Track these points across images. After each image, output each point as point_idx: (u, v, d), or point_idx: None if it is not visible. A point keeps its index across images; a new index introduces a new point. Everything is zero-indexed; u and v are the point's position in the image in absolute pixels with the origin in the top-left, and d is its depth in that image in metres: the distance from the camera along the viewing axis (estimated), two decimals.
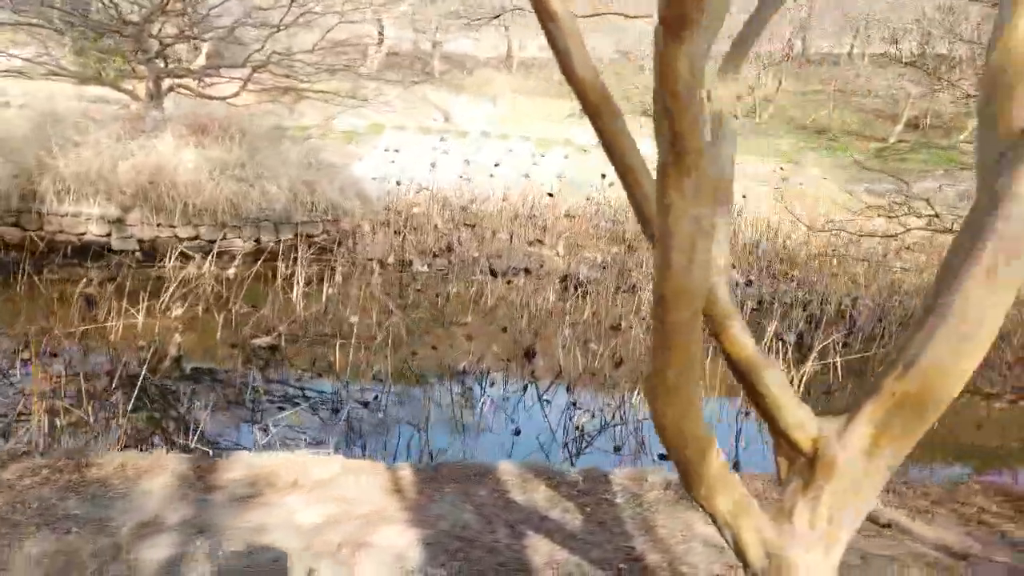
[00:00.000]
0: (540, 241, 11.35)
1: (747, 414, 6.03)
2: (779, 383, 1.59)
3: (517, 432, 5.29)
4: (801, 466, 1.59)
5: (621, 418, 5.72)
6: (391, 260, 9.88)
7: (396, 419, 5.18)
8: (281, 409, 4.98)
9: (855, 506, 1.53)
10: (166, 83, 11.30)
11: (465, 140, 22.19)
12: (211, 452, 3.43)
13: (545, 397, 5.97)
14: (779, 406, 1.58)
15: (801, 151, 26.89)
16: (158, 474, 2.83)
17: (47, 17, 9.79)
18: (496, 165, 13.32)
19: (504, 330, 7.52)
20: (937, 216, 4.73)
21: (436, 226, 11.70)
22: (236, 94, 11.65)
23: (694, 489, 1.51)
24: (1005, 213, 1.37)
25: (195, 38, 10.40)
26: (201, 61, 15.63)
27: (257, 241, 9.67)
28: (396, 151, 14.59)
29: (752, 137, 29.61)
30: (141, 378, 4.85)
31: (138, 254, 8.94)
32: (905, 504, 3.15)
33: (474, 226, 12.06)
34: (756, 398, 1.63)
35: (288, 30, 11.72)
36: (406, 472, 3.07)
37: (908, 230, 5.38)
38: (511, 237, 11.74)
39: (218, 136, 10.16)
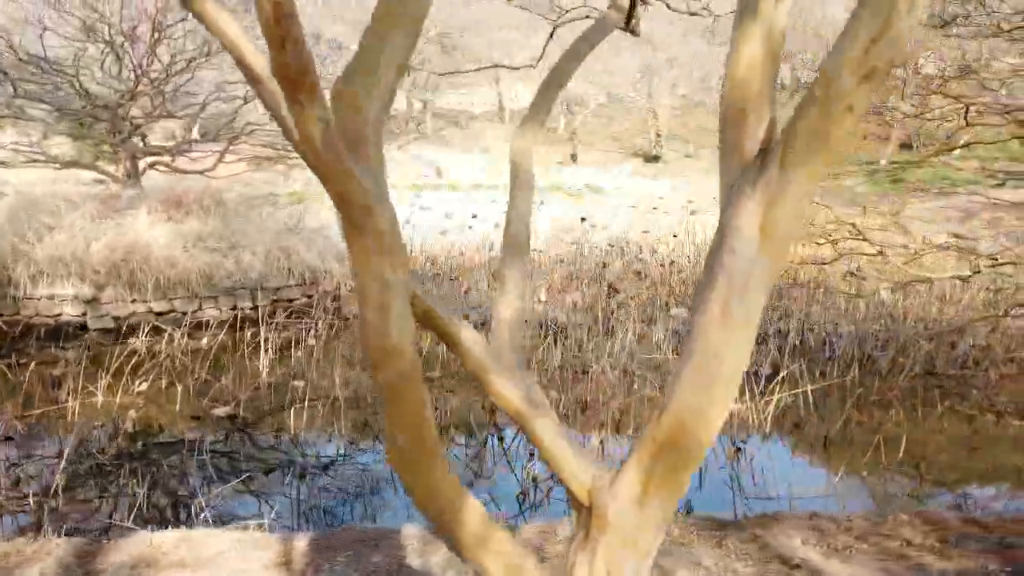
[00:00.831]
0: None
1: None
2: (551, 433, 1.55)
3: (470, 486, 5.19)
4: (583, 518, 1.53)
5: None
6: None
7: (344, 482, 5.11)
8: (224, 481, 4.93)
9: (633, 560, 1.46)
10: (146, 161, 11.58)
11: (455, 193, 22.47)
12: (110, 534, 3.38)
13: (505, 448, 5.88)
14: (554, 457, 1.54)
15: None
16: (40, 562, 2.79)
17: (18, 107, 10.08)
18: (473, 216, 13.40)
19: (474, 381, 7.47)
20: (865, 239, 4.67)
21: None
22: (213, 167, 11.88)
23: (459, 552, 1.45)
24: (730, 247, 1.34)
25: (165, 116, 10.63)
26: (195, 135, 15.95)
27: (233, 309, 9.73)
28: None
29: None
30: (64, 457, 4.83)
31: (95, 332, 8.99)
32: (826, 541, 3.03)
33: (456, 279, 12.09)
34: (537, 449, 1.58)
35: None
36: (301, 542, 3.01)
37: (838, 256, 5.31)
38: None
39: (190, 209, 10.33)
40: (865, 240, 4.61)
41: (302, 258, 10.41)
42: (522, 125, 2.01)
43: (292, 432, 5.91)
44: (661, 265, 12.94)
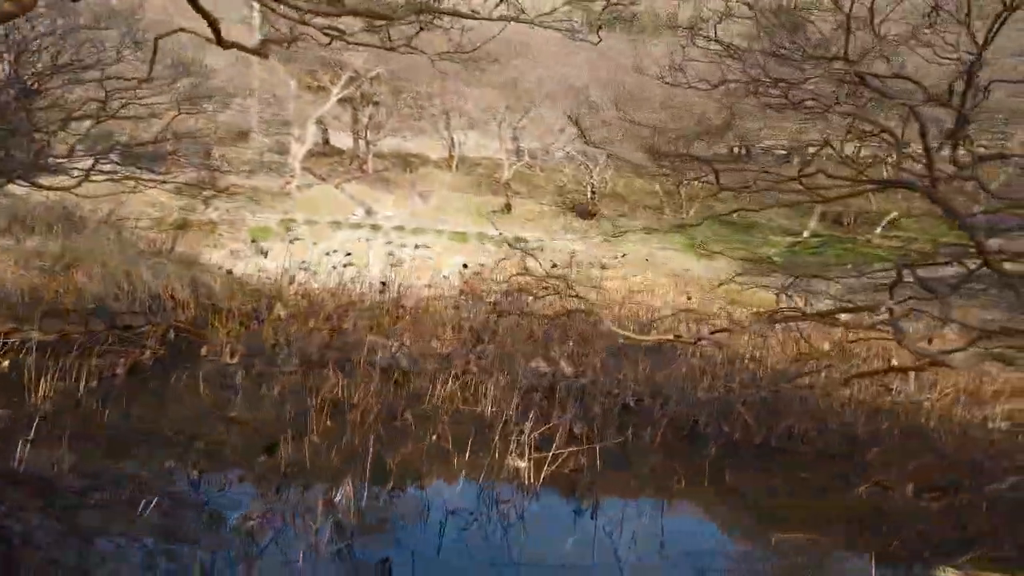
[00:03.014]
0: (372, 331, 11.03)
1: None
2: None
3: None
4: None
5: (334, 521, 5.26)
6: (204, 352, 9.48)
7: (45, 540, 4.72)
8: None
9: None
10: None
11: (373, 233, 22.31)
12: None
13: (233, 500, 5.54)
14: None
15: (714, 245, 27.24)
16: None
17: None
18: (347, 255, 13.15)
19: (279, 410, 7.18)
20: (577, 295, 4.51)
21: (279, 316, 11.38)
22: (77, 185, 11.54)
23: None
24: None
25: (29, 132, 10.31)
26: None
27: (60, 333, 9.27)
28: (256, 242, 14.43)
29: (673, 233, 30.13)
30: None
31: None
32: None
33: (329, 318, 11.75)
34: None
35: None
36: None
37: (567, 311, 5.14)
38: (368, 328, 11.45)
39: (34, 227, 9.95)
40: (577, 296, 4.45)
41: (146, 284, 10.03)
42: None
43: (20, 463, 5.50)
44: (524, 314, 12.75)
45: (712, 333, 4.44)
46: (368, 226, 23.81)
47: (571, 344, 11.40)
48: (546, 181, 38.16)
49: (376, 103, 34.86)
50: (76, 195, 11.64)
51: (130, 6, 9.94)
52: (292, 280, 13.57)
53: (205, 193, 12.95)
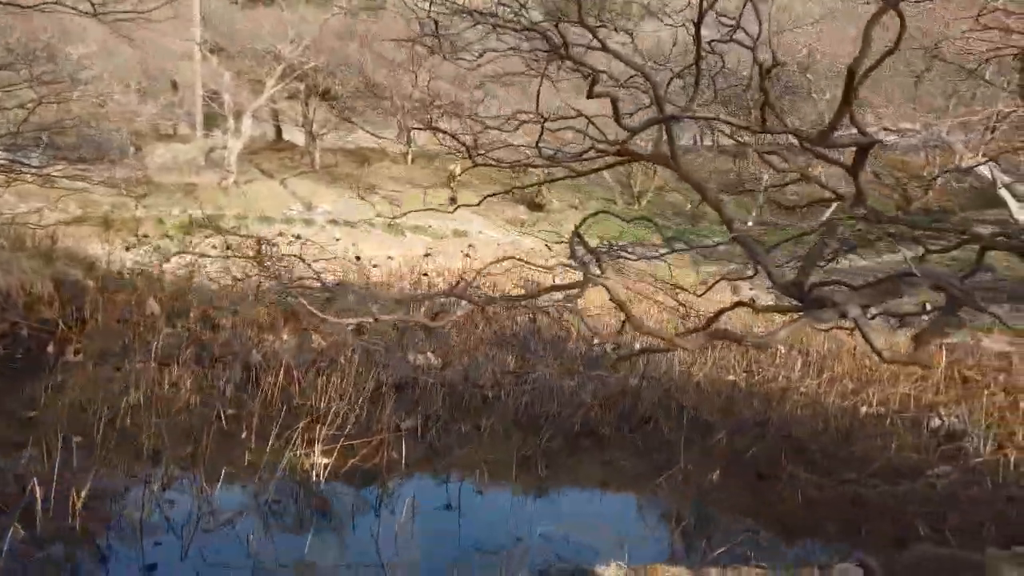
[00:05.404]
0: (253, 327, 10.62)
1: None
2: None
3: None
4: None
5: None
6: (49, 350, 9.09)
7: None
8: None
9: None
10: None
11: (306, 228, 21.87)
12: None
13: None
14: None
15: (655, 235, 26.98)
16: None
17: None
18: (228, 247, 12.75)
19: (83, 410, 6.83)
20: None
21: (152, 313, 10.99)
22: None
23: None
24: None
25: None
26: None
27: None
28: (145, 237, 14.05)
29: (620, 222, 29.73)
30: None
31: None
32: None
33: (203, 315, 11.34)
34: None
35: None
36: None
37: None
38: (253, 323, 11.08)
39: None
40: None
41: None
42: None
43: None
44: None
45: (434, 316, 4.15)
46: (300, 221, 23.38)
47: (455, 335, 11.12)
48: (500, 173, 37.74)
49: (325, 95, 34.27)
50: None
51: None
52: (191, 275, 13.20)
53: (78, 185, 12.47)
